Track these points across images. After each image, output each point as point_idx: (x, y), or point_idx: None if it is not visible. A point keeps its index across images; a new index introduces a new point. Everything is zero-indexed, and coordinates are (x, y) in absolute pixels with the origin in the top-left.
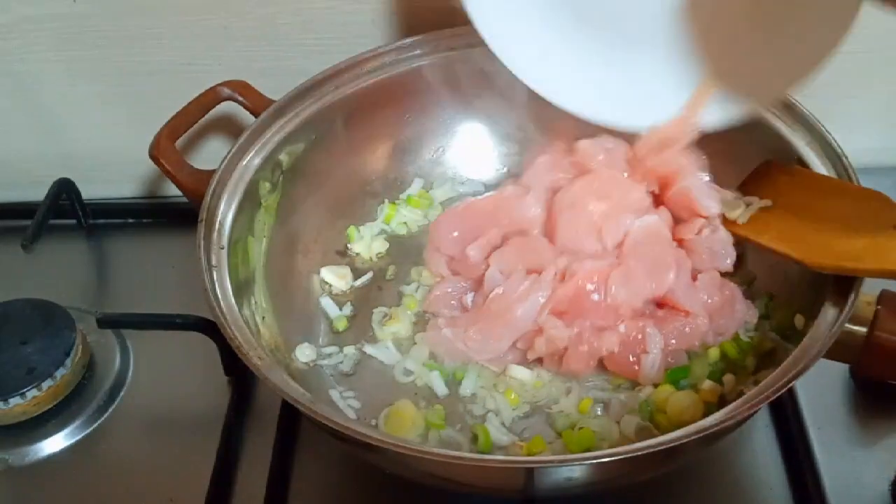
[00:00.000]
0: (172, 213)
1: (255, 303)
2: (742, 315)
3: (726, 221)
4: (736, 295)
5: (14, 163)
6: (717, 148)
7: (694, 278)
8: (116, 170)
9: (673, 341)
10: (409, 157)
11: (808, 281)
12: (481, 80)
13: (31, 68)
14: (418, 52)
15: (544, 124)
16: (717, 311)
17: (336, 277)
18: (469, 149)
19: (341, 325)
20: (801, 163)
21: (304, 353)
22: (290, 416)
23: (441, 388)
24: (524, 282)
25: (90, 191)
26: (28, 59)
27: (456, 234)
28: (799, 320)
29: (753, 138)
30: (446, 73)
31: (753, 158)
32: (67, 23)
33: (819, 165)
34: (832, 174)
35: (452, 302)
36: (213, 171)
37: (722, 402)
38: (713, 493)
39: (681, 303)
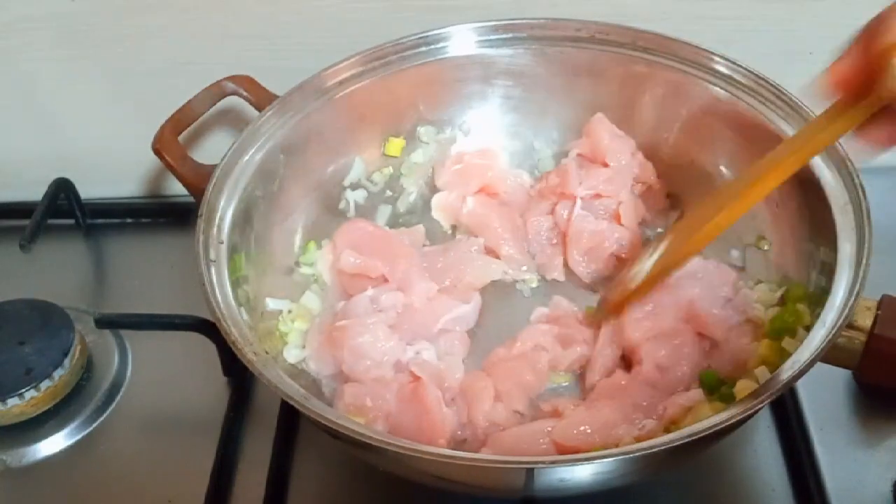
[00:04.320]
0: (171, 213)
1: (254, 299)
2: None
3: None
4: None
5: (12, 162)
6: (713, 150)
7: None
8: (115, 169)
9: None
10: (413, 156)
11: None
12: (484, 79)
13: (30, 67)
14: (422, 49)
15: (544, 125)
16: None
17: None
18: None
19: None
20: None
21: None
22: (290, 416)
23: None
24: None
25: (88, 190)
26: (27, 59)
27: (349, 249)
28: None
29: (754, 139)
30: (448, 73)
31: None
32: (67, 22)
33: (821, 166)
34: (834, 174)
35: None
36: (215, 166)
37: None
38: (714, 493)
39: None
